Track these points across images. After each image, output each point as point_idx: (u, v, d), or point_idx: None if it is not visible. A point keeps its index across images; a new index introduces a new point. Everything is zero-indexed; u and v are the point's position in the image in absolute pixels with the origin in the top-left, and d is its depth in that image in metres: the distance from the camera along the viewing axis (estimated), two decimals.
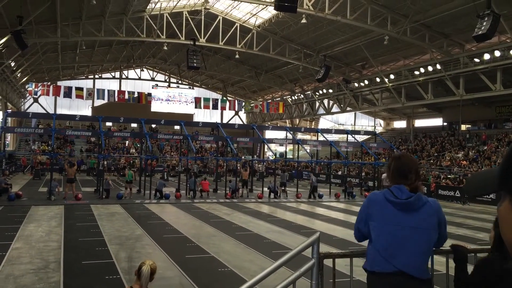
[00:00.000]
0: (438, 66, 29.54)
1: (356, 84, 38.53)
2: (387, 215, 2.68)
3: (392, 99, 37.42)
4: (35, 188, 24.25)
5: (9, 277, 7.96)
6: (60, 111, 48.31)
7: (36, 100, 48.50)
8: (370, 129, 48.27)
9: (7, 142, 36.59)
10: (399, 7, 25.53)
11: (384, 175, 21.39)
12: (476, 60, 27.49)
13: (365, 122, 52.82)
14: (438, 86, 31.88)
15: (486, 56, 26.65)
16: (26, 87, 42.96)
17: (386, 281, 2.60)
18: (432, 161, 33.57)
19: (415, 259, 2.63)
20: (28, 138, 43.39)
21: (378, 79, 35.52)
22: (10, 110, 37.71)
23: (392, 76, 34.09)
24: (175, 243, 11.38)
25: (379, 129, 48.95)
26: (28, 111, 46.07)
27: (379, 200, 2.74)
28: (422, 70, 31.30)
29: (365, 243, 2.88)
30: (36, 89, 39.74)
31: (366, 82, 37.28)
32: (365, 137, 40.33)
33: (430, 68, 30.51)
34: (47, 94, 40.34)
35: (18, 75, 40.47)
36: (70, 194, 19.61)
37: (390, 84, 34.07)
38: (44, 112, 46.17)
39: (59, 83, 45.72)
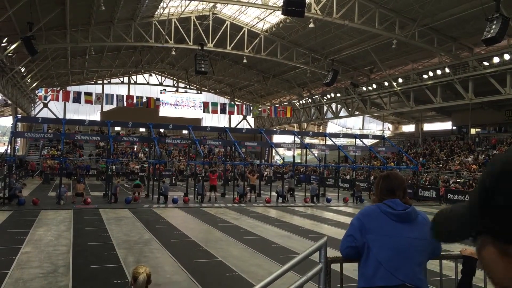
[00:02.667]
0: (447, 70, 29.37)
1: (364, 88, 38.41)
2: (385, 227, 2.65)
3: (400, 103, 37.24)
4: (44, 193, 24.43)
5: (19, 281, 8.02)
6: (69, 116, 48.70)
7: (45, 105, 48.96)
8: (379, 133, 48.02)
9: (17, 147, 36.92)
10: (407, 11, 25.46)
11: None
12: (485, 63, 27.27)
13: (373, 126, 52.58)
14: (447, 90, 31.68)
15: (496, 60, 26.45)
16: (36, 92, 43.38)
17: None
18: (441, 165, 33.32)
19: (418, 270, 2.62)
20: (37, 143, 43.75)
21: (386, 83, 35.39)
22: (20, 115, 38.12)
23: (400, 80, 33.94)
24: (183, 247, 11.39)
25: (387, 133, 48.69)
26: (38, 116, 46.55)
27: (375, 213, 2.71)
28: (430, 73, 31.13)
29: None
30: (45, 94, 40.11)
31: (374, 86, 37.16)
32: (374, 141, 40.14)
33: (438, 72, 30.34)
34: (57, 99, 40.70)
35: (28, 80, 40.89)
36: (79, 199, 19.73)
37: (399, 88, 33.93)
38: (54, 117, 46.61)
39: (68, 88, 46.12)
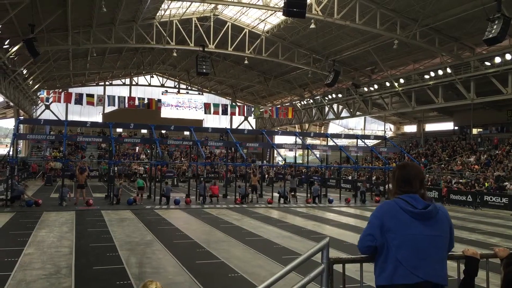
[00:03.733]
0: (449, 70, 29.35)
1: (365, 89, 38.41)
2: (405, 225, 2.63)
3: (402, 103, 37.23)
4: (47, 194, 24.47)
5: (21, 282, 8.03)
6: (71, 117, 48.81)
7: (47, 107, 49.05)
8: (380, 133, 48.00)
9: (19, 148, 37.00)
10: (408, 11, 25.45)
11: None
12: (487, 63, 27.26)
13: (375, 127, 52.58)
14: (449, 90, 31.66)
15: (497, 60, 26.45)
16: (38, 94, 43.49)
17: None
18: (443, 165, 33.29)
19: (438, 267, 2.63)
20: (40, 145, 43.83)
21: (387, 84, 35.38)
22: (22, 117, 38.21)
23: (402, 80, 33.93)
24: (185, 248, 11.39)
25: (389, 134, 48.68)
26: (40, 118, 46.66)
27: (394, 210, 2.68)
28: (432, 74, 31.13)
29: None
30: (47, 96, 40.19)
31: (376, 86, 37.15)
32: (375, 141, 40.13)
33: (440, 72, 30.33)
34: (59, 101, 40.80)
35: (30, 82, 40.99)
36: (81, 200, 19.78)
37: (400, 88, 33.91)
38: (56, 118, 46.71)
39: (70, 90, 46.23)
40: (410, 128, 48.24)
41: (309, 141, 44.34)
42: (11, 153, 21.20)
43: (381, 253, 2.70)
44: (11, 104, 37.21)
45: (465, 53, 29.22)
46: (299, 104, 49.98)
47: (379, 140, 38.46)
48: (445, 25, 26.08)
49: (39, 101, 46.29)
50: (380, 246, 2.69)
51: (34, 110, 48.99)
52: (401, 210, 2.66)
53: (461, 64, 28.80)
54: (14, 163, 21.23)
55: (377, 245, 2.69)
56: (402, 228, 2.63)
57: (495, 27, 18.86)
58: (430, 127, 44.64)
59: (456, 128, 40.05)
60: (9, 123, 51.45)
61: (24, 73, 36.18)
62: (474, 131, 37.61)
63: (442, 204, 24.92)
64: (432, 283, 2.59)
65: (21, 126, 37.88)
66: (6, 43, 28.21)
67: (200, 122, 49.72)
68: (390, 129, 51.18)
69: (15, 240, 11.87)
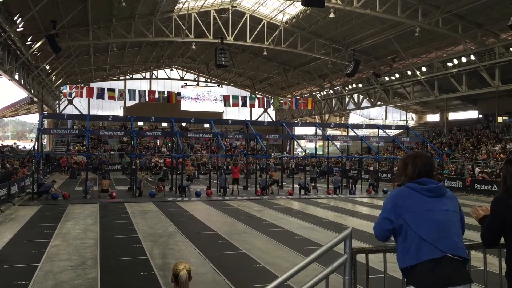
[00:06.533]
0: (472, 57, 28.65)
1: (386, 78, 37.85)
2: (419, 202, 2.68)
3: (424, 92, 36.57)
4: (71, 188, 24.97)
5: (49, 273, 8.24)
6: (93, 112, 49.62)
7: (70, 102, 49.94)
8: (402, 123, 47.35)
9: (44, 143, 37.79)
10: None
11: None
12: None
13: (396, 116, 51.84)
14: (473, 78, 30.94)
15: None
16: (61, 89, 44.22)
17: (433, 268, 2.57)
18: (467, 155, 32.66)
19: (457, 240, 2.66)
20: (64, 139, 44.69)
21: (409, 72, 34.77)
22: (46, 112, 38.95)
23: (424, 69, 33.29)
24: (207, 240, 11.49)
25: (411, 123, 47.96)
26: (63, 112, 47.57)
27: (405, 192, 2.75)
28: (455, 61, 30.42)
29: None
30: (70, 91, 40.83)
31: (397, 75, 36.54)
32: (397, 131, 39.61)
33: (463, 59, 29.64)
34: (81, 96, 41.42)
35: (53, 78, 41.74)
36: (105, 195, 20.10)
37: (422, 77, 33.30)
38: (78, 113, 47.55)
39: (92, 84, 46.95)
40: (433, 117, 47.41)
41: (330, 132, 44.00)
42: (36, 147, 21.68)
43: (400, 235, 2.73)
44: (35, 99, 37.95)
45: (490, 39, 28.47)
46: (319, 95, 49.61)
47: (401, 130, 37.91)
48: (468, 11, 25.43)
49: (62, 96, 47.13)
50: (398, 228, 2.72)
51: (57, 105, 49.94)
52: (413, 191, 2.73)
53: (485, 51, 28.07)
54: (40, 157, 21.72)
55: (395, 228, 2.72)
56: (418, 205, 2.68)
57: None
58: (453, 116, 43.79)
59: (480, 116, 39.17)
60: (34, 118, 52.61)
61: (47, 68, 36.83)
62: (499, 119, 36.73)
63: (467, 193, 24.53)
64: (454, 259, 2.60)
65: (45, 121, 38.60)
66: (29, 39, 28.75)
67: (219, 114, 49.86)
68: (412, 118, 50.41)
69: (42, 233, 12.17)
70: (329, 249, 2.91)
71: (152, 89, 49.99)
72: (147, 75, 54.41)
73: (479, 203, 3.20)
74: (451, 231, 2.65)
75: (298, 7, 30.90)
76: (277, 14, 33.24)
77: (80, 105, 50.59)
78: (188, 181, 23.07)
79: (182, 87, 47.87)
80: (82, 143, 42.17)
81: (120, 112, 51.05)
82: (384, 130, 29.96)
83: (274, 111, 58.49)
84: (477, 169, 27.64)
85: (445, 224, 2.65)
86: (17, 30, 25.47)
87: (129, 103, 48.91)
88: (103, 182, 21.09)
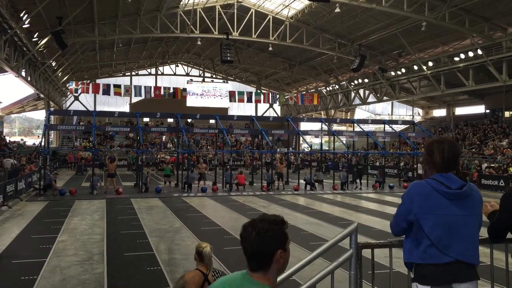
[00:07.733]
0: (479, 51, 28.40)
1: (392, 73, 37.64)
2: (439, 206, 2.58)
3: (430, 87, 36.34)
4: (78, 183, 25.12)
5: (56, 268, 8.31)
6: (99, 108, 49.80)
7: (76, 98, 50.16)
8: (408, 118, 47.11)
9: (50, 139, 37.98)
10: None
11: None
12: None
13: (402, 112, 51.58)
14: (480, 72, 30.69)
15: None
16: (67, 85, 44.40)
17: (440, 271, 2.55)
18: (474, 150, 32.46)
19: (470, 246, 2.60)
20: (70, 135, 44.89)
21: (415, 67, 34.54)
22: (52, 108, 39.15)
23: (430, 63, 33.05)
24: (213, 235, 11.52)
25: (417, 118, 47.72)
26: (69, 109, 47.79)
27: (426, 191, 2.61)
28: (462, 56, 30.17)
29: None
30: (76, 87, 40.95)
31: (403, 70, 36.31)
32: (403, 126, 39.44)
33: (470, 54, 29.39)
34: (87, 92, 41.55)
35: (59, 74, 41.91)
36: (111, 189, 20.23)
37: (429, 72, 33.07)
38: (85, 109, 47.76)
39: (98, 81, 47.09)
40: (439, 112, 47.13)
41: (335, 127, 43.93)
42: (43, 143, 21.82)
43: (413, 231, 2.67)
44: (42, 96, 38.13)
45: (497, 34, 28.20)
46: (325, 90, 49.45)
47: (407, 125, 37.74)
48: (475, 5, 25.19)
49: (68, 93, 47.35)
50: (414, 225, 2.66)
51: (63, 101, 50.16)
52: (434, 190, 2.59)
53: (493, 45, 27.82)
54: (46, 153, 21.85)
55: (413, 221, 2.65)
56: (435, 208, 2.58)
57: None
58: (460, 110, 43.51)
59: (487, 111, 38.88)
60: (41, 115, 52.88)
61: (53, 65, 36.97)
62: (507, 114, 36.45)
63: None
64: (463, 263, 2.56)
65: (52, 117, 38.77)
66: (35, 36, 28.87)
67: (225, 110, 49.86)
68: (419, 113, 50.13)
69: (49, 228, 12.26)
70: (335, 244, 2.90)
71: (158, 85, 50.02)
72: (153, 71, 54.49)
73: (487, 198, 3.12)
74: (464, 237, 2.58)
75: (303, 2, 30.77)
76: (282, 9, 33.11)
77: (86, 101, 50.77)
78: (199, 180, 22.90)
79: (187, 83, 47.88)
80: (89, 139, 42.36)
81: (126, 108, 51.20)
82: (390, 125, 29.83)
83: (279, 107, 58.43)
84: (484, 164, 27.48)
85: (459, 230, 2.57)
86: (23, 26, 25.57)
87: (135, 99, 48.97)
88: (109, 166, 20.86)
